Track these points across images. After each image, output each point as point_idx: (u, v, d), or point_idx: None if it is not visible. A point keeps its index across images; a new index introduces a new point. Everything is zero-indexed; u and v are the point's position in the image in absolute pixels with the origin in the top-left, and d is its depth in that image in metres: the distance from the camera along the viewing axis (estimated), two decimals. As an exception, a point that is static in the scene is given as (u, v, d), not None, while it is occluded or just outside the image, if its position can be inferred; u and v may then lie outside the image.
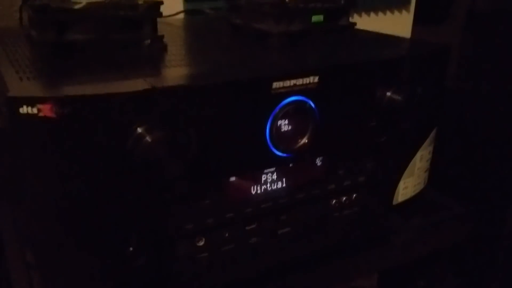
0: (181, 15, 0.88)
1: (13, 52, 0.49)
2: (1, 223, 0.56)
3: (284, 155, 0.49)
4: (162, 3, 0.52)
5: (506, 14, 0.91)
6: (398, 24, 1.43)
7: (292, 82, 0.46)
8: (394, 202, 0.60)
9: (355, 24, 0.65)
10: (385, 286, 0.85)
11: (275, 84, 0.45)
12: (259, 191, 0.50)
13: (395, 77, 0.52)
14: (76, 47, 0.48)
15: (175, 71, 0.47)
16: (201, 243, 0.48)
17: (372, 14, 1.35)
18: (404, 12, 1.44)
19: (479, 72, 0.92)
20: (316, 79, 0.47)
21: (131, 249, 0.43)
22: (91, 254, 0.42)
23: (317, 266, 0.54)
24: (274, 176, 0.50)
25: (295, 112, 0.47)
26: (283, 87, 0.45)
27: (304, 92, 0.47)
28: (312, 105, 0.48)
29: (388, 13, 1.42)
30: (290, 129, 0.48)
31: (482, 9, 0.96)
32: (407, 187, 0.60)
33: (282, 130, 0.48)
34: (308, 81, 0.47)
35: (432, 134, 0.60)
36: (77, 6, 0.49)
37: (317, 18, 0.60)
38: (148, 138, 0.38)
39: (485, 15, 0.95)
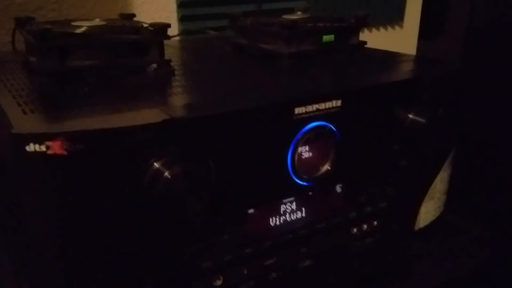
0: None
1: (11, 81, 0.45)
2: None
3: (305, 183, 0.46)
4: (169, 26, 0.49)
5: (504, 28, 0.90)
6: (392, 39, 1.43)
7: (315, 107, 0.43)
8: (416, 228, 0.57)
9: (365, 42, 0.62)
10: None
11: (297, 110, 0.42)
12: (278, 223, 0.47)
13: (416, 99, 0.50)
14: (80, 74, 0.45)
15: (188, 99, 0.43)
16: (219, 283, 0.44)
17: (366, 31, 1.34)
18: (397, 27, 1.44)
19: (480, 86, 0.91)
20: (339, 103, 0.44)
21: (146, 293, 0.39)
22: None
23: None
24: (294, 206, 0.47)
25: (317, 138, 0.44)
26: (306, 112, 0.43)
27: (326, 117, 0.44)
28: (334, 129, 0.45)
29: (381, 29, 1.41)
30: (312, 156, 0.45)
31: (481, 23, 0.95)
32: (428, 211, 0.57)
33: (304, 157, 0.45)
34: (330, 105, 0.44)
35: (451, 155, 0.58)
36: (79, 30, 0.46)
37: (328, 38, 0.58)
38: (167, 174, 0.35)
39: (484, 29, 0.94)
